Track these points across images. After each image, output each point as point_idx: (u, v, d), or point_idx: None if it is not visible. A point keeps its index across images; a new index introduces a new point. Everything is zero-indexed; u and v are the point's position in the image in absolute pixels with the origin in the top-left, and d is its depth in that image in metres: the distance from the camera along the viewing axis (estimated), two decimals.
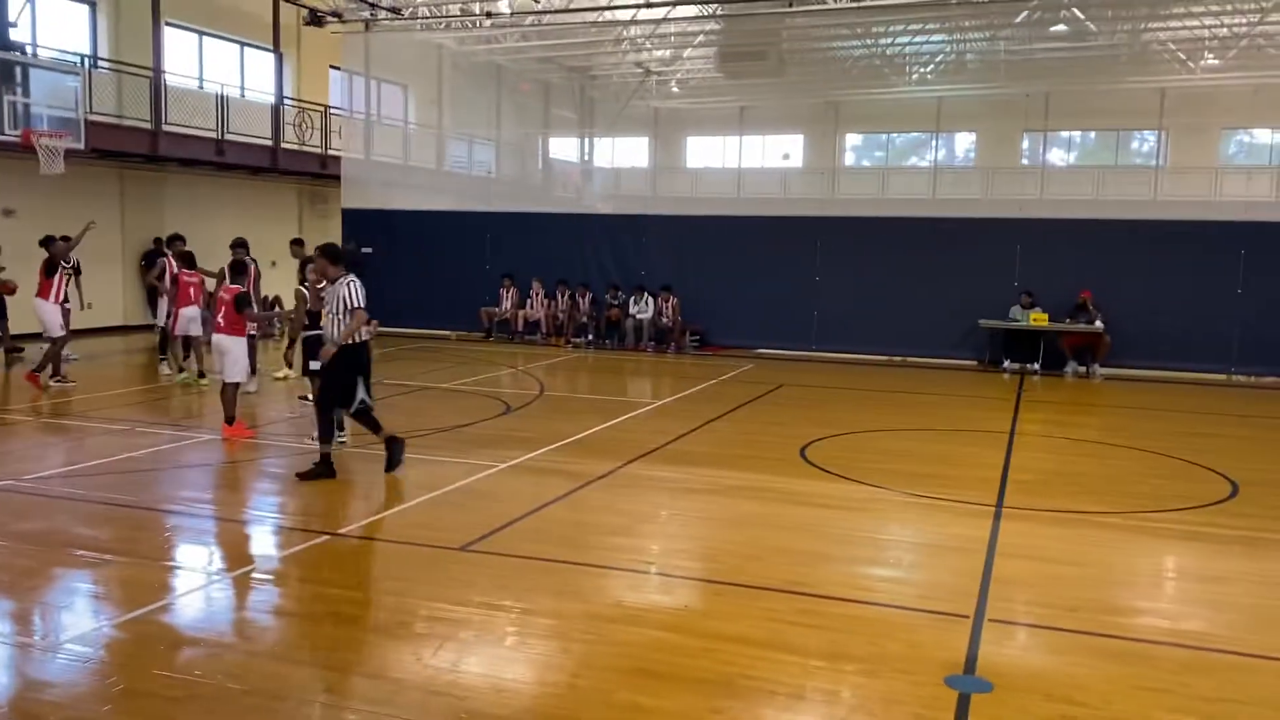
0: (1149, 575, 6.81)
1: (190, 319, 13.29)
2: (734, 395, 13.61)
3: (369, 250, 16.25)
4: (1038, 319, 16.67)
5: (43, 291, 12.96)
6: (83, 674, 4.67)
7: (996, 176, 31.02)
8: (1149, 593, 6.39)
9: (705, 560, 6.72)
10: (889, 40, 26.65)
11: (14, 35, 16.03)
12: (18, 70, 15.40)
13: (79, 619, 5.43)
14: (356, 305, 8.29)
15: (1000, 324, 17.12)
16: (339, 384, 8.39)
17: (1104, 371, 16.60)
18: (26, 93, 15.44)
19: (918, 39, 26.59)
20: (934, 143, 34.85)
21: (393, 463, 8.51)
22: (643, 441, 10.15)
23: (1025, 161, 33.18)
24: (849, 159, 36.59)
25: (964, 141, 35.22)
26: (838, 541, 7.05)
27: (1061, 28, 24.64)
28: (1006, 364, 17.12)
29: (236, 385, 10.33)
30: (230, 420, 10.08)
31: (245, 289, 10.61)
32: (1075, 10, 22.79)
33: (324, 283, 9.16)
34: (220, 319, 10.31)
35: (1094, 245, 17.11)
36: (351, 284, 8.38)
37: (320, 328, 9.80)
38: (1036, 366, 16.93)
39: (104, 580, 6.01)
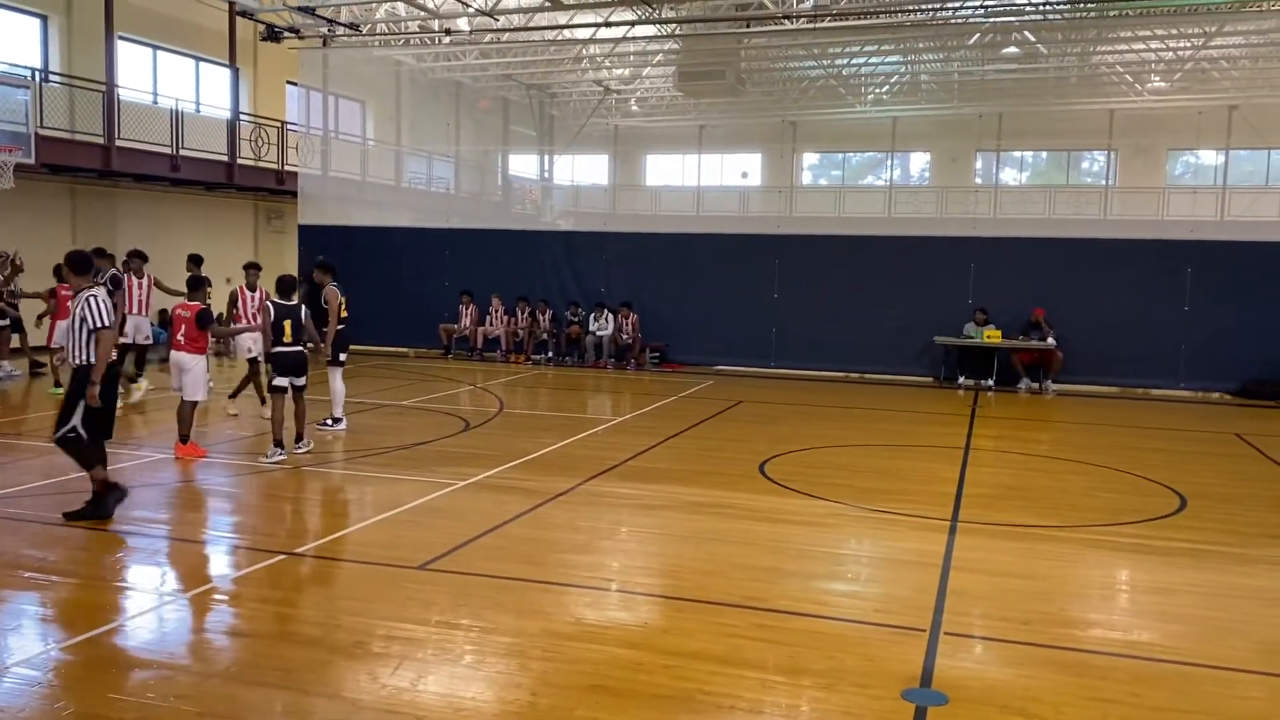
0: (1100, 588, 6.92)
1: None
2: (694, 412, 13.66)
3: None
4: (991, 336, 16.93)
5: None
6: (31, 698, 4.58)
7: (950, 195, 31.50)
8: (1100, 605, 6.49)
9: (665, 576, 6.74)
10: (845, 61, 27.01)
11: None
12: None
13: (26, 642, 5.32)
14: (102, 324, 7.28)
15: (955, 341, 17.36)
16: (72, 410, 7.38)
17: (1056, 387, 16.87)
18: None
19: (873, 60, 26.99)
20: (889, 162, 35.33)
21: (98, 512, 7.39)
22: (603, 458, 10.15)
23: (979, 181, 33.70)
24: (806, 178, 36.96)
25: (919, 161, 35.74)
26: (796, 556, 7.09)
27: (1013, 50, 25.16)
28: (961, 380, 17.36)
29: (194, 404, 10.16)
30: (185, 439, 9.95)
31: (206, 305, 10.46)
32: (1027, 33, 23.27)
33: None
34: (180, 336, 10.15)
35: (1046, 263, 17.42)
36: (92, 298, 7.33)
37: (286, 344, 9.89)
38: (990, 382, 17.17)
39: (52, 602, 5.90)
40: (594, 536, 7.54)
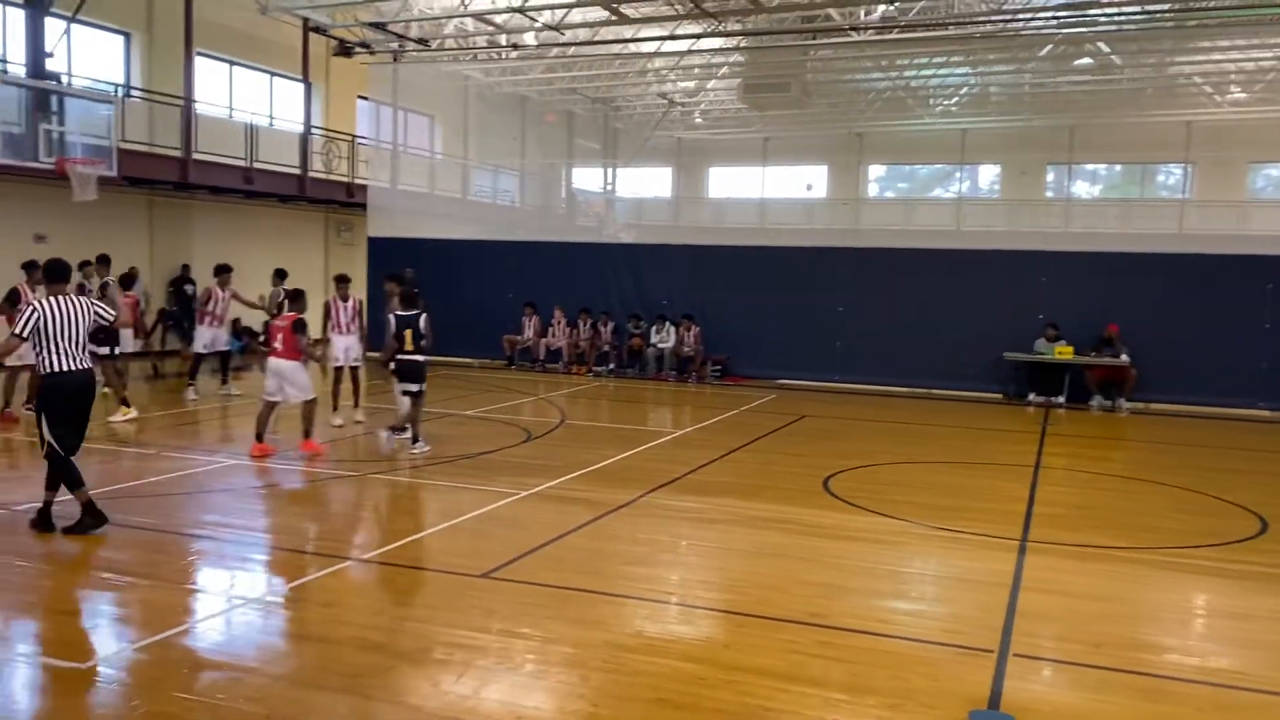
0: (1176, 611, 6.72)
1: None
2: (756, 426, 13.58)
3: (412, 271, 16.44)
4: (1063, 352, 16.57)
5: None
6: (106, 696, 4.70)
7: (1021, 209, 31.01)
8: (1176, 629, 6.30)
9: (726, 591, 6.69)
10: (913, 72, 26.78)
11: (50, 65, 16.33)
12: (54, 99, 15.69)
13: (103, 641, 5.47)
14: (13, 331, 7.15)
15: (1025, 357, 17.02)
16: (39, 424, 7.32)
17: (1130, 405, 16.45)
18: (62, 121, 15.73)
19: (942, 71, 26.71)
20: (958, 174, 34.88)
21: (80, 527, 7.22)
22: (663, 471, 10.14)
23: (1050, 194, 33.15)
24: (873, 190, 36.66)
25: (988, 173, 35.24)
26: (860, 574, 7.00)
27: (1087, 61, 24.71)
28: (1031, 397, 17.01)
29: (313, 401, 10.69)
30: (307, 434, 10.61)
31: (303, 316, 10.84)
32: (1100, 44, 22.85)
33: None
34: (278, 344, 10.61)
35: (1120, 278, 17.00)
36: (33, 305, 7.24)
37: (409, 351, 10.64)
38: (1062, 400, 16.80)
39: (128, 603, 6.05)
40: (655, 549, 7.52)
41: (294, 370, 10.56)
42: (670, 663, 5.20)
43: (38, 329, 7.06)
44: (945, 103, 30.29)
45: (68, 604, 6.00)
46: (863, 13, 19.87)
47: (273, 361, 10.65)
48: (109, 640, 5.49)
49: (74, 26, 17.34)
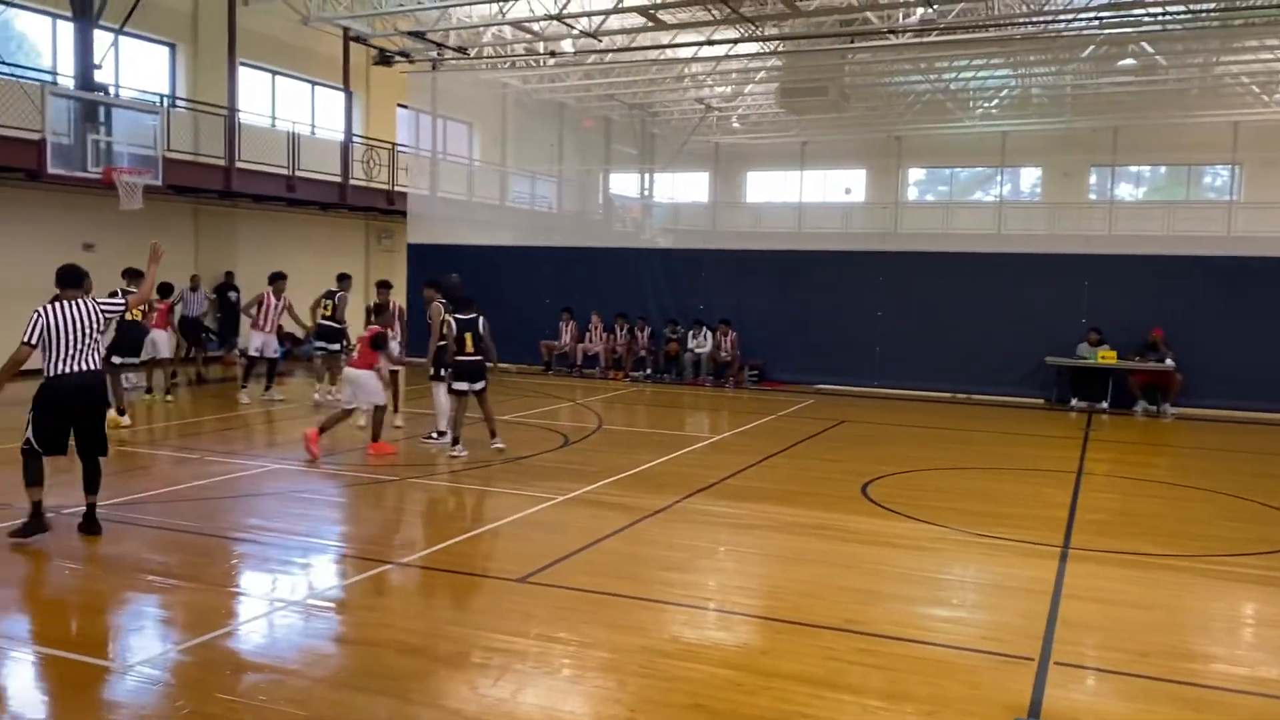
0: (1222, 620, 6.60)
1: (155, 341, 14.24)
2: (793, 431, 13.53)
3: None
4: (1106, 356, 16.35)
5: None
6: (151, 697, 4.78)
7: (1063, 211, 30.63)
8: (1223, 638, 6.18)
9: (763, 597, 6.67)
10: (952, 75, 26.55)
11: (98, 76, 16.65)
12: (101, 110, 15.99)
13: (148, 642, 5.56)
14: (22, 340, 7.15)
15: (1067, 361, 16.82)
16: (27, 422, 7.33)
17: (1175, 411, 16.18)
18: (109, 131, 16.02)
19: (981, 73, 26.46)
20: (999, 177, 34.54)
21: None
22: (700, 476, 10.13)
23: (1093, 196, 32.71)
24: (912, 193, 36.39)
25: (1029, 176, 34.86)
26: (898, 580, 6.95)
27: (1130, 62, 24.35)
28: (1074, 402, 16.80)
29: (382, 408, 11.15)
30: (375, 438, 11.06)
31: (385, 329, 11.22)
32: (1144, 44, 22.52)
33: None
34: (355, 354, 11.16)
35: (1165, 281, 16.75)
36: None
37: (467, 354, 11.00)
38: (1105, 405, 16.57)
39: (172, 605, 6.14)
40: (691, 555, 7.52)
41: (367, 378, 10.93)
42: (707, 668, 5.20)
43: (45, 335, 7.09)
44: (985, 105, 29.98)
45: (114, 606, 6.11)
46: (901, 15, 19.74)
47: (348, 370, 11.14)
48: (154, 641, 5.58)
49: (121, 38, 17.68)
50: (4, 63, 16.41)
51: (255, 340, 14.78)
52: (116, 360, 12.60)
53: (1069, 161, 31.21)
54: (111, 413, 11.87)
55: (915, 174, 36.27)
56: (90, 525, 7.38)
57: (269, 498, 9.11)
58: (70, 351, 7.14)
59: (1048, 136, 30.22)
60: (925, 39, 20.41)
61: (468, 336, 11.01)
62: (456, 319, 11.06)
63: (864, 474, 10.44)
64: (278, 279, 14.82)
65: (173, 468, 10.26)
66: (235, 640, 5.59)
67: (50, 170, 15.20)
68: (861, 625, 5.88)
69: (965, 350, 17.59)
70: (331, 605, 6.23)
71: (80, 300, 7.31)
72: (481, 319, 11.18)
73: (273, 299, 14.67)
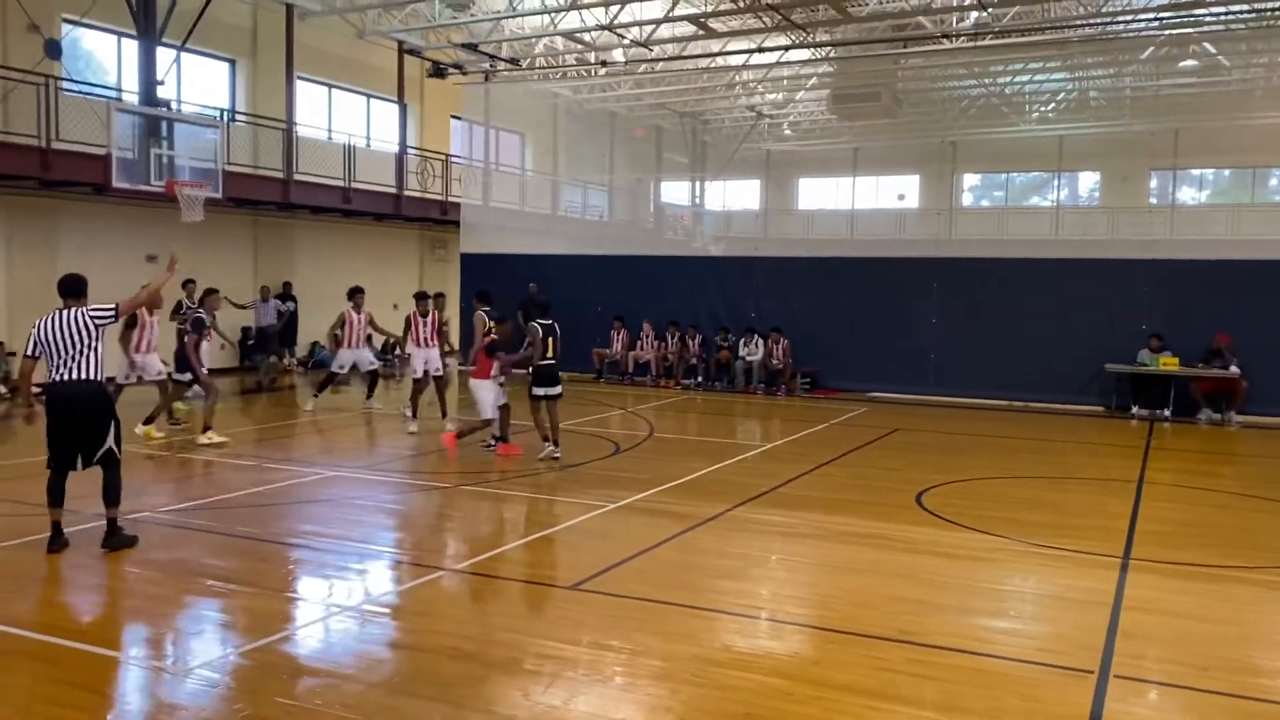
0: None
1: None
2: (847, 439, 13.42)
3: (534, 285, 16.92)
4: (1168, 363, 16.00)
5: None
6: (210, 699, 4.87)
7: (1122, 216, 30.08)
8: None
9: (815, 606, 6.62)
10: (1008, 79, 26.23)
11: (161, 92, 17.07)
12: (164, 124, 16.38)
13: (207, 646, 5.67)
14: (24, 353, 7.34)
15: (1128, 368, 16.48)
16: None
17: (1241, 419, 15.78)
18: (171, 145, 16.39)
19: (1038, 77, 26.10)
20: (1056, 182, 34.03)
21: (115, 545, 7.24)
22: (752, 485, 10.08)
23: (1153, 200, 32.08)
24: (966, 199, 35.99)
25: (1087, 180, 34.31)
26: (953, 591, 6.85)
27: (1191, 63, 23.88)
28: (1135, 410, 16.46)
29: (505, 408, 11.53)
30: (504, 439, 11.54)
31: (494, 339, 11.49)
32: (1206, 45, 22.07)
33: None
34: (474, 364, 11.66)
35: (1230, 286, 16.34)
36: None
37: (548, 359, 11.31)
38: (1167, 413, 16.21)
39: (231, 609, 6.26)
40: (743, 563, 7.48)
41: (480, 388, 11.29)
42: (759, 678, 5.17)
43: (41, 346, 7.09)
44: (1041, 109, 29.57)
45: (175, 610, 6.23)
46: (955, 20, 19.55)
47: (470, 380, 11.56)
48: (214, 645, 5.68)
49: (183, 55, 18.10)
50: (72, 80, 16.89)
51: (342, 357, 14.70)
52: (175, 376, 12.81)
53: (1128, 165, 30.65)
54: (141, 425, 12.05)
55: (970, 179, 35.87)
56: (110, 539, 7.24)
57: (324, 504, 9.24)
58: (60, 360, 7.10)
59: (1106, 140, 29.70)
60: (979, 43, 20.18)
61: (550, 341, 11.36)
62: (540, 324, 11.36)
63: (918, 483, 10.32)
64: (356, 293, 14.73)
65: (231, 474, 10.45)
66: (292, 645, 5.67)
67: (115, 184, 15.58)
68: (915, 636, 5.81)
69: (1022, 357, 17.32)
70: (385, 611, 6.30)
71: (74, 310, 7.21)
72: (555, 326, 11.55)
73: (353, 315, 14.58)
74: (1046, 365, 17.20)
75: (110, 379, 13.09)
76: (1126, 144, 29.24)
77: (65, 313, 7.19)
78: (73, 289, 7.36)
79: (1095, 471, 11.75)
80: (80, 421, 7.17)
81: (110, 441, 7.25)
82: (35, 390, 7.33)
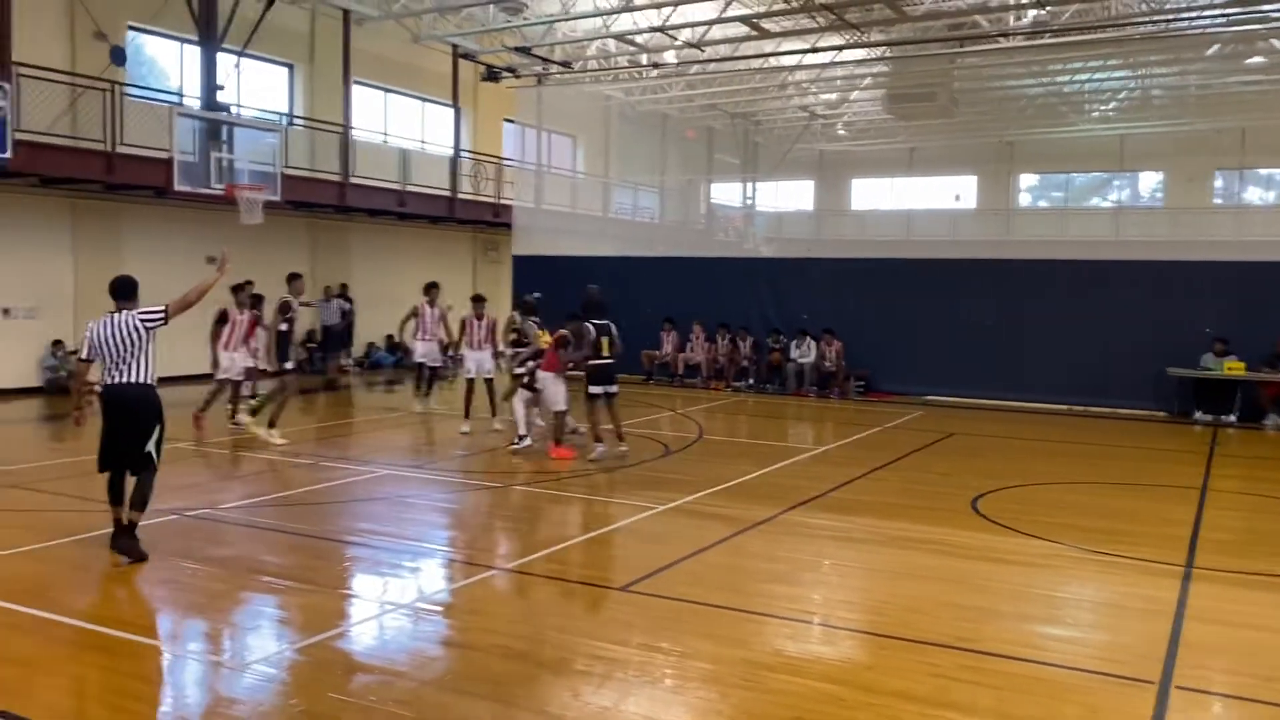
0: None
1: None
2: (901, 443, 13.27)
3: (539, 295, 17.20)
4: (1233, 368, 15.61)
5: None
6: (267, 694, 4.95)
7: (1186, 217, 29.42)
8: None
9: (867, 612, 6.55)
10: (1067, 78, 25.79)
11: (221, 97, 17.40)
12: (224, 129, 16.70)
13: (264, 641, 5.76)
14: (78, 356, 7.38)
15: (1191, 372, 16.11)
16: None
17: None
18: (231, 149, 16.70)
19: (1098, 76, 25.63)
20: (1117, 182, 33.40)
21: (124, 549, 7.05)
22: (803, 488, 10.02)
23: (1218, 201, 31.34)
24: (1024, 200, 35.46)
25: (1149, 180, 33.62)
26: (1009, 597, 6.74)
27: (1259, 59, 23.28)
28: (1198, 415, 16.07)
29: (562, 412, 11.52)
30: (558, 443, 11.48)
31: (564, 333, 11.62)
32: (1274, 41, 21.51)
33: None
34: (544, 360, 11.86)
35: None
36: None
37: (604, 357, 11.61)
38: (1232, 418, 15.81)
39: (287, 606, 6.35)
40: (794, 567, 7.43)
41: (550, 381, 11.44)
42: (810, 683, 5.13)
43: (94, 349, 7.06)
44: (1102, 108, 29.04)
45: (233, 606, 6.34)
46: (1012, 18, 19.27)
47: (539, 373, 11.67)
48: (270, 641, 5.78)
49: (243, 60, 18.44)
50: (137, 86, 17.28)
51: (419, 349, 15.11)
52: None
53: (1193, 165, 30.00)
54: (259, 430, 12.17)
55: (1028, 179, 35.33)
56: (119, 540, 7.06)
57: (379, 502, 9.35)
58: (114, 363, 7.04)
59: (1170, 139, 29.09)
60: (1037, 41, 19.88)
61: (604, 341, 11.48)
62: (595, 324, 11.46)
63: (974, 488, 10.18)
64: (431, 288, 15.10)
65: (289, 472, 10.61)
66: (346, 641, 5.75)
67: (177, 187, 15.91)
68: (970, 642, 5.73)
69: (1081, 361, 17.01)
70: (438, 609, 6.36)
71: (125, 313, 7.13)
72: (613, 326, 11.69)
73: (428, 309, 14.91)
74: (1106, 369, 16.87)
75: (215, 377, 13.43)
76: (1191, 143, 28.63)
77: (117, 315, 7.14)
78: (124, 291, 7.29)
79: (1156, 477, 11.50)
80: (130, 423, 7.09)
81: (150, 445, 7.09)
82: (96, 389, 7.40)
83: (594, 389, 11.49)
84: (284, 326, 12.35)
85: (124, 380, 7.07)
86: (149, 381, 7.15)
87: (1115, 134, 29.95)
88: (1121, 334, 16.76)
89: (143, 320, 7.10)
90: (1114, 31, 19.11)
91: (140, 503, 7.12)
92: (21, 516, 8.27)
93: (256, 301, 13.50)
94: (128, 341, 7.05)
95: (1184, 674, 5.31)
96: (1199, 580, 7.08)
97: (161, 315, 7.14)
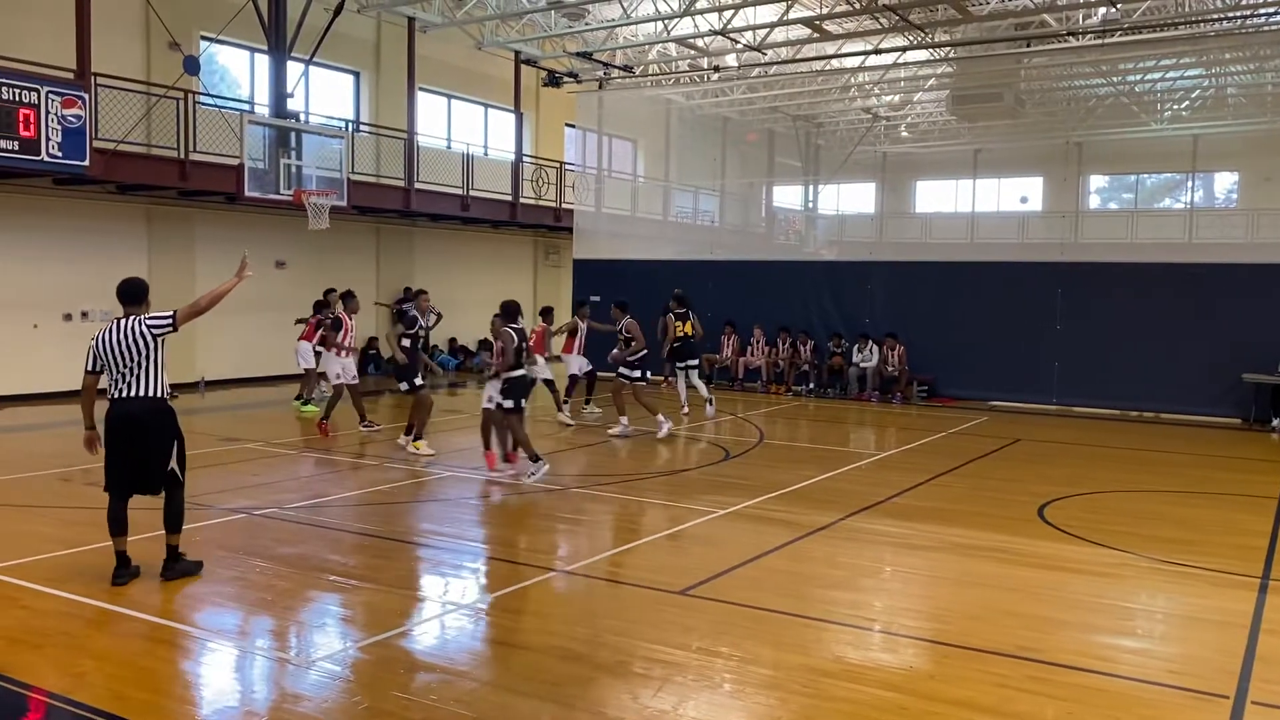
0: None
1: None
2: (965, 449, 13.08)
3: (595, 298, 17.51)
4: None
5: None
6: (332, 691, 5.03)
7: (1263, 218, 28.51)
8: None
9: (930, 620, 6.46)
10: (1138, 77, 25.18)
11: (290, 104, 17.76)
12: (292, 135, 17.04)
13: (330, 639, 5.86)
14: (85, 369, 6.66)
15: (1268, 379, 15.63)
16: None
17: None
18: (299, 156, 17.05)
19: (1170, 74, 24.98)
20: (1189, 183, 32.53)
21: (176, 576, 6.71)
22: (865, 494, 9.92)
23: None
24: (1093, 202, 34.70)
25: (1224, 181, 32.67)
26: (1076, 607, 6.60)
27: None
28: (1275, 423, 15.59)
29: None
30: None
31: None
32: None
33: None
34: None
35: None
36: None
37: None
38: None
39: (352, 605, 6.45)
40: (855, 573, 7.36)
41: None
42: (871, 690, 5.08)
43: (99, 359, 6.52)
44: (1174, 107, 28.30)
45: (299, 604, 6.46)
46: (1081, 17, 18.89)
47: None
48: (335, 639, 5.88)
49: (311, 68, 18.80)
50: (209, 94, 17.72)
51: (572, 364, 15.50)
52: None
53: (1269, 164, 29.04)
54: (403, 436, 12.23)
55: (1096, 181, 34.56)
56: (170, 567, 6.70)
57: (441, 503, 9.46)
58: (119, 375, 6.49)
59: (1245, 138, 28.23)
60: (1108, 40, 19.45)
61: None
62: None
63: (1041, 495, 9.99)
64: (583, 305, 16.10)
65: (352, 473, 10.79)
66: (409, 640, 5.82)
67: (247, 193, 16.27)
68: (1035, 652, 5.62)
69: (1152, 366, 16.60)
70: (498, 609, 6.41)
71: (133, 318, 6.55)
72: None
73: (581, 324, 15.45)
74: (1178, 375, 16.45)
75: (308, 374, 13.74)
76: (1267, 142, 27.72)
77: (123, 321, 6.52)
78: (130, 295, 6.65)
79: (1230, 486, 11.18)
80: (140, 441, 6.51)
81: (173, 462, 6.63)
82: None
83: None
84: (405, 342, 12.28)
85: (130, 394, 6.48)
86: (159, 394, 6.55)
87: (1188, 134, 29.17)
88: (1194, 339, 16.34)
89: (150, 326, 6.49)
90: (1187, 29, 18.63)
91: (174, 523, 6.73)
92: (93, 514, 8.51)
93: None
94: (134, 350, 6.45)
95: (1260, 689, 5.16)
96: (1276, 593, 6.87)
97: (169, 321, 6.53)
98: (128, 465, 6.56)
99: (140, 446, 6.53)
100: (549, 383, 14.75)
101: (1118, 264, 18.48)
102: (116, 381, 6.51)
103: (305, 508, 8.91)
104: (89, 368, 6.58)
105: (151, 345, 6.50)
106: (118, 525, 6.60)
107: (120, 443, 6.50)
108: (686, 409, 14.84)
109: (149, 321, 6.53)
